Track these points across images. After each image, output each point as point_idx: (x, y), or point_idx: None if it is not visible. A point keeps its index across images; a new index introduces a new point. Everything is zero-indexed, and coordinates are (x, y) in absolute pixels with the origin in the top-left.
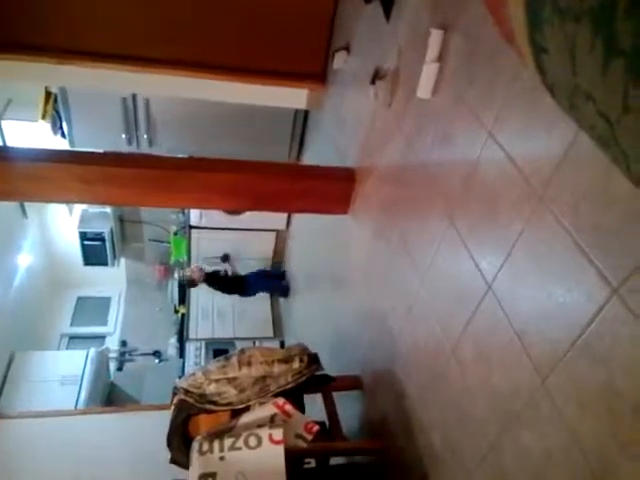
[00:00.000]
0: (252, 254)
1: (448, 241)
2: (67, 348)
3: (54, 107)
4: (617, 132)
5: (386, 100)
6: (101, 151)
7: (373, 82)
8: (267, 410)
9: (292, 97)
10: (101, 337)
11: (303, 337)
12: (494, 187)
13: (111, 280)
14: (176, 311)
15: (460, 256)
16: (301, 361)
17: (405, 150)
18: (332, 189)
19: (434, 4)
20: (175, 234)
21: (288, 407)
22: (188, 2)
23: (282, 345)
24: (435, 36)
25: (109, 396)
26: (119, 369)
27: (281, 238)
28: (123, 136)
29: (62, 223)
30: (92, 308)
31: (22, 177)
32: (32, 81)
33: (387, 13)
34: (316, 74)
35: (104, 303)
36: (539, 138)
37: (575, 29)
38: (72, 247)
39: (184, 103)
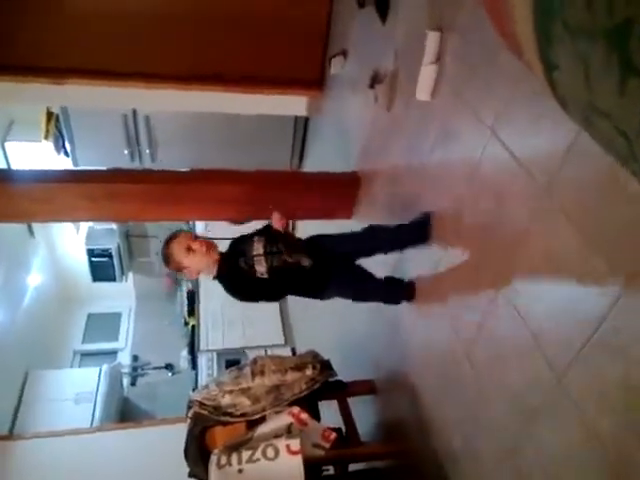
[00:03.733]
0: None
1: None
2: (80, 365)
3: (56, 126)
4: (636, 149)
5: (386, 103)
6: (104, 168)
7: (372, 86)
8: (283, 420)
9: (292, 105)
10: (113, 353)
11: (313, 342)
12: (499, 185)
13: (120, 295)
14: (186, 323)
15: None
16: (314, 368)
17: (408, 152)
18: (335, 194)
19: (430, 5)
20: None
21: (304, 415)
22: (183, 16)
23: (294, 352)
24: (432, 38)
25: (123, 411)
26: (132, 384)
27: None
28: (125, 152)
29: (69, 241)
30: (103, 324)
31: (29, 199)
32: (31, 102)
33: (382, 16)
34: (314, 81)
35: (114, 318)
36: (543, 135)
37: (588, 48)
38: (80, 264)
39: (184, 116)
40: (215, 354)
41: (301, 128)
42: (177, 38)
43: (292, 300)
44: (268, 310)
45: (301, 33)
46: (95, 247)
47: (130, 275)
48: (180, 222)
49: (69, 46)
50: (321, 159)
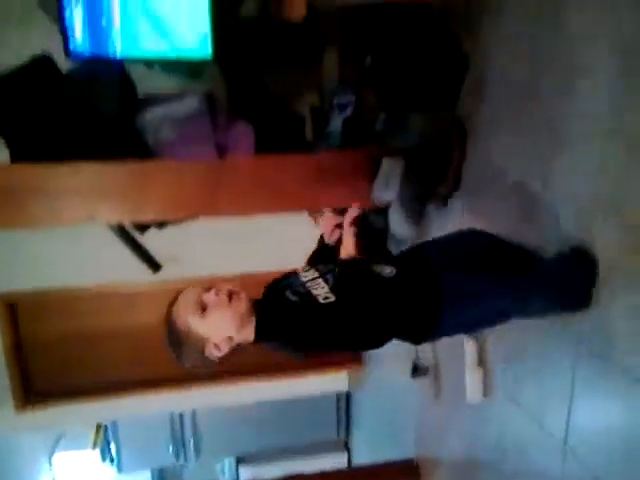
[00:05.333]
0: None
1: None
2: None
3: (104, 435)
4: None
5: (433, 393)
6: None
7: (413, 376)
8: None
9: (333, 382)
10: None
11: None
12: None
13: None
14: None
15: None
16: None
17: (469, 441)
18: None
19: None
20: None
21: None
22: None
23: None
24: (469, 346)
25: None
26: None
27: None
28: (170, 451)
29: None
30: None
31: None
32: (86, 421)
33: None
34: (354, 356)
35: None
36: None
37: None
38: None
39: (228, 408)
40: None
41: (344, 402)
42: None
43: None
44: None
45: None
46: None
47: None
48: None
49: (115, 364)
50: (370, 434)
